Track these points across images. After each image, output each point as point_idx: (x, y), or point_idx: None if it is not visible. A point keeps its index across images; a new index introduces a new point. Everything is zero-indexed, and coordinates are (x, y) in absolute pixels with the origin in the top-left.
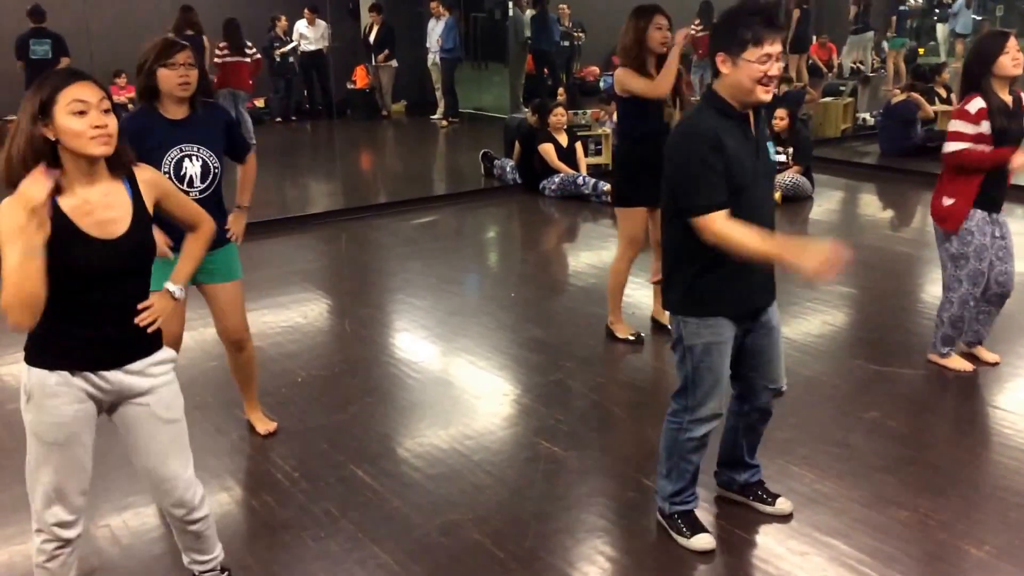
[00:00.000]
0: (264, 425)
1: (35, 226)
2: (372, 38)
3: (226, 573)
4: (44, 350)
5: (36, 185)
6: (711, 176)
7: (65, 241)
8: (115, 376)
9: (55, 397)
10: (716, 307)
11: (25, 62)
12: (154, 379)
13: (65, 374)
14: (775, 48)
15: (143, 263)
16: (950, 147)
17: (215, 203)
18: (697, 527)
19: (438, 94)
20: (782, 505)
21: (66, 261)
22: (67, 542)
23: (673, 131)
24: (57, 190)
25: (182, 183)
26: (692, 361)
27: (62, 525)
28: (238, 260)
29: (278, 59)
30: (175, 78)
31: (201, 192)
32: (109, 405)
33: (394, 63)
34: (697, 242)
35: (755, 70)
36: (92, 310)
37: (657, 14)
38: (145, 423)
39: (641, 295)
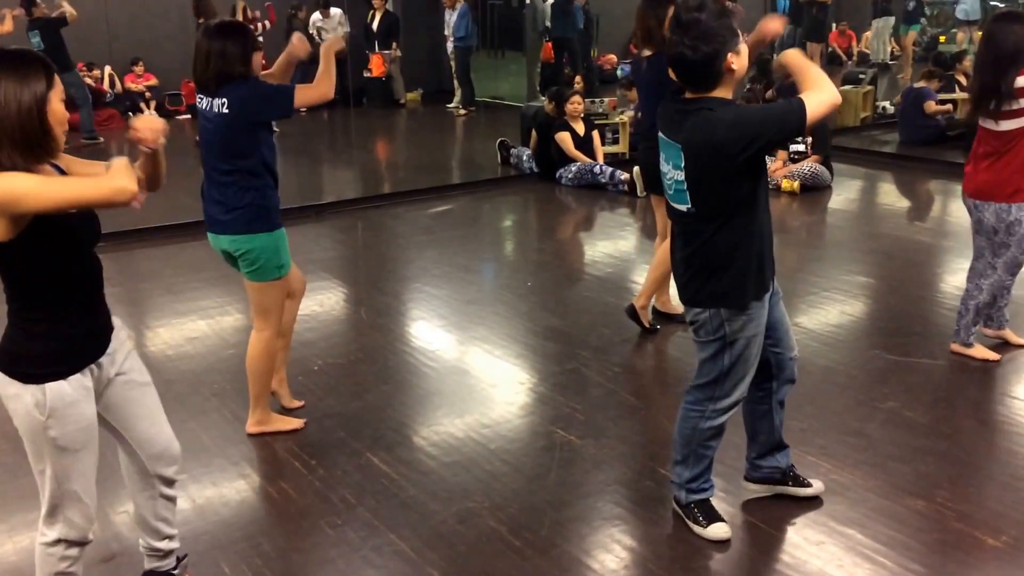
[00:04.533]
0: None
1: None
2: (375, 26)
3: (183, 559)
4: (51, 362)
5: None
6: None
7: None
8: (108, 358)
9: (76, 404)
10: (756, 292)
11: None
12: (120, 343)
13: (77, 377)
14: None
15: (96, 236)
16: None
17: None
18: (713, 516)
19: (456, 82)
20: (818, 485)
21: (64, 221)
22: (86, 543)
23: (711, 128)
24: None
25: None
26: (731, 355)
27: (90, 523)
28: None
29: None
30: (261, 61)
31: None
32: (99, 394)
33: (397, 52)
34: (741, 234)
35: (746, 49)
36: (87, 294)
37: (673, 5)
38: (131, 393)
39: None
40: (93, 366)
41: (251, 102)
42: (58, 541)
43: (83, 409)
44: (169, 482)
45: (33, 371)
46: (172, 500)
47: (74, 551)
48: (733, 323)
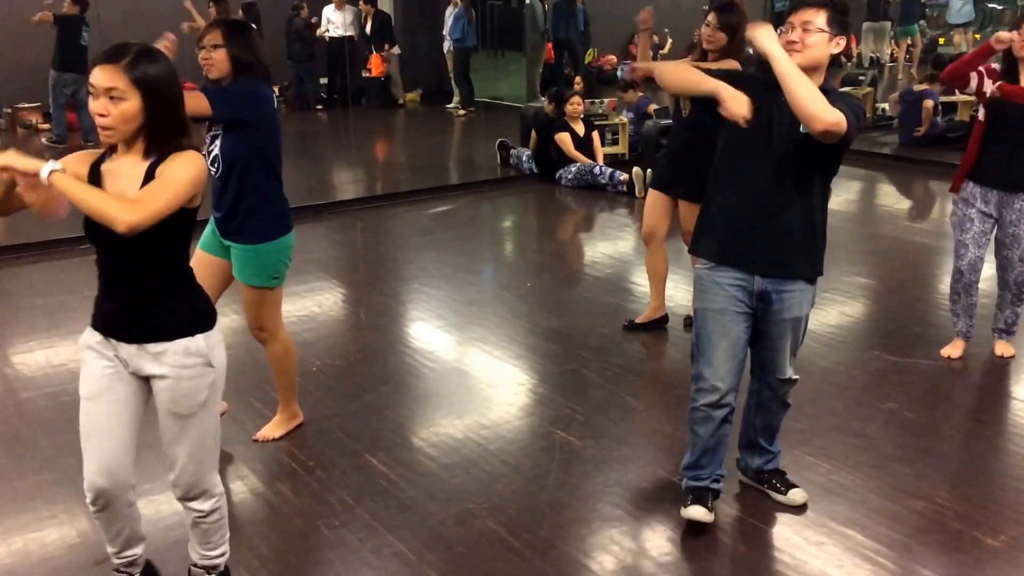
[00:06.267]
0: (271, 430)
1: None
2: (368, 29)
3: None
4: (93, 308)
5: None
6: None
7: None
8: (129, 350)
9: (88, 350)
10: (701, 244)
11: (72, 45)
12: (170, 369)
13: (96, 332)
14: (796, 18)
15: (137, 243)
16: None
17: (232, 190)
18: (698, 500)
19: (453, 83)
20: (793, 495)
21: (85, 218)
22: (99, 508)
23: None
24: (110, 150)
25: (212, 163)
26: (695, 325)
27: (87, 485)
28: (247, 267)
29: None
30: (200, 59)
31: (215, 173)
32: (139, 374)
33: (396, 51)
34: (711, 183)
35: (781, 38)
36: (103, 276)
37: (711, 11)
38: (159, 406)
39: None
40: (111, 340)
41: None
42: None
43: (91, 360)
44: (184, 507)
45: None
46: (195, 525)
47: (88, 496)
48: (695, 287)
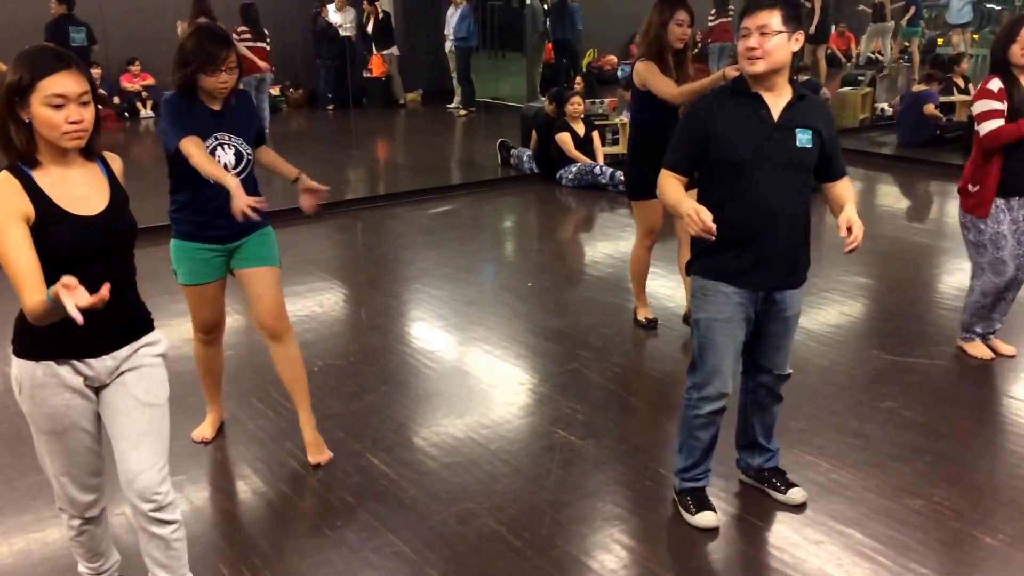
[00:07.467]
0: (315, 454)
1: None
2: (370, 28)
3: None
4: (28, 341)
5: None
6: (680, 141)
7: (45, 220)
8: (101, 363)
9: (44, 388)
10: (697, 263)
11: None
12: (139, 360)
13: (51, 364)
14: (750, 23)
15: (124, 240)
16: (988, 126)
17: (250, 185)
18: (703, 505)
19: (455, 82)
20: (793, 494)
21: (47, 240)
22: (89, 520)
23: None
24: (31, 164)
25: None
26: (697, 335)
27: (79, 506)
28: (274, 247)
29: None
30: (217, 84)
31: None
32: (99, 388)
33: (395, 51)
34: (719, 204)
35: (740, 44)
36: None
37: (680, 9)
38: (122, 402)
39: (655, 285)
40: (78, 363)
41: (162, 118)
42: (60, 510)
43: (50, 395)
44: (146, 516)
45: (16, 346)
46: (167, 544)
47: (76, 523)
48: (696, 296)
